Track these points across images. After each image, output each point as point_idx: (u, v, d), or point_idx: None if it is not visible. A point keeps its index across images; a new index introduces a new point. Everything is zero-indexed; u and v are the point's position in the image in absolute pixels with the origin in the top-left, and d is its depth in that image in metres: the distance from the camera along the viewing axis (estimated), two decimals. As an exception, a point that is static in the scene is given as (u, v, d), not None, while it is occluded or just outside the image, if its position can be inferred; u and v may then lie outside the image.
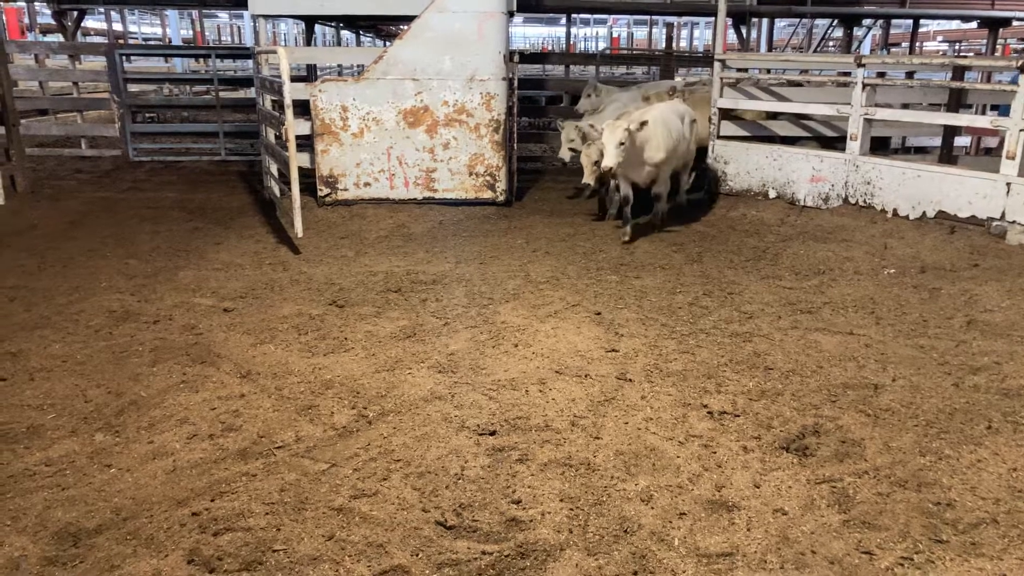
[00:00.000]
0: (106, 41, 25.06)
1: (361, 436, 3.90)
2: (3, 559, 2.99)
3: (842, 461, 3.67)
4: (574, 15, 19.57)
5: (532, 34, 52.25)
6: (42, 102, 13.30)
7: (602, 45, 38.68)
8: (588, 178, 8.21)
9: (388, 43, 14.26)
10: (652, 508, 3.31)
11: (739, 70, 9.77)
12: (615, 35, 40.89)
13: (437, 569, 2.93)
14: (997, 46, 21.86)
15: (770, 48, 23.51)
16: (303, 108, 8.94)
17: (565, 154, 9.10)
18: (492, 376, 4.60)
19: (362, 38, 24.17)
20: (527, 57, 13.99)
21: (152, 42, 34.45)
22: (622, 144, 6.84)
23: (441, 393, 4.36)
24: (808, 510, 3.30)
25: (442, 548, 3.05)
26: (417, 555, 3.01)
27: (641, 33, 41.65)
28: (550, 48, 42.25)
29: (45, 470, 3.61)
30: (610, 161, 6.80)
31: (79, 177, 10.95)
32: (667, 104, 8.35)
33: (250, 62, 11.83)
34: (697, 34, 39.69)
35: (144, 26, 39.44)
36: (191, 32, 32.82)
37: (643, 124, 7.00)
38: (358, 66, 17.83)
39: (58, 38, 18.30)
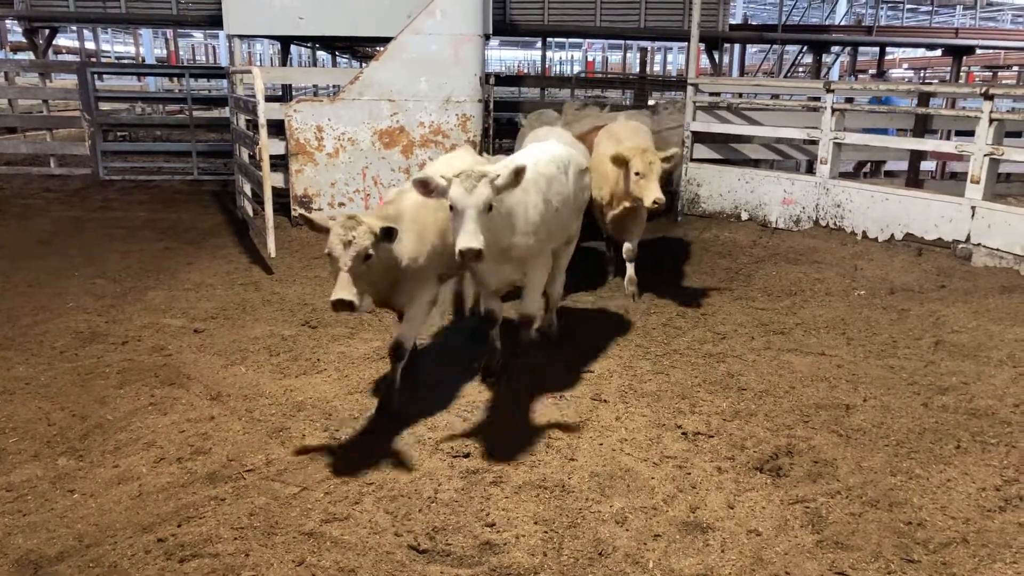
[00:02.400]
0: (78, 59, 24.83)
1: (333, 459, 3.85)
2: (-41, 589, 2.89)
3: (815, 481, 3.69)
4: (549, 39, 19.80)
5: (508, 57, 52.66)
6: (11, 120, 13.11)
7: (577, 69, 39.13)
8: (344, 291, 3.60)
9: (364, 64, 14.27)
10: (627, 530, 3.29)
11: (711, 94, 9.92)
12: (590, 59, 41.38)
13: (409, 594, 2.88)
14: (961, 73, 22.45)
15: (742, 73, 23.94)
16: (278, 128, 8.90)
17: None
18: (466, 397, 4.56)
19: (338, 59, 24.20)
20: (503, 80, 14.10)
21: (125, 61, 34.20)
22: (489, 210, 3.84)
23: (414, 416, 4.31)
24: (782, 531, 3.30)
25: (415, 573, 3.00)
26: (389, 580, 2.96)
27: (616, 57, 42.21)
28: (526, 71, 42.67)
29: (5, 495, 3.50)
30: (470, 241, 3.72)
31: (47, 196, 10.77)
32: (546, 147, 5.10)
33: (224, 82, 11.77)
34: (671, 59, 40.28)
35: (117, 45, 39.09)
36: (165, 51, 32.64)
37: (518, 173, 3.95)
38: (334, 87, 17.83)
39: (29, 56, 18.10)
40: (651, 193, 5.76)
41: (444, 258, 4.28)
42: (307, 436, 4.08)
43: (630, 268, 6.61)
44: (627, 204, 6.16)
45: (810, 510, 3.44)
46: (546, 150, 5.01)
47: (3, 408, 4.35)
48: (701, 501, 3.52)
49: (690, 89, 9.56)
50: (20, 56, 21.21)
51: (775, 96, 13.66)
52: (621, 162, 5.94)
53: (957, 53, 20.87)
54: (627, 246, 6.57)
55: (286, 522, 3.30)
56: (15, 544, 3.15)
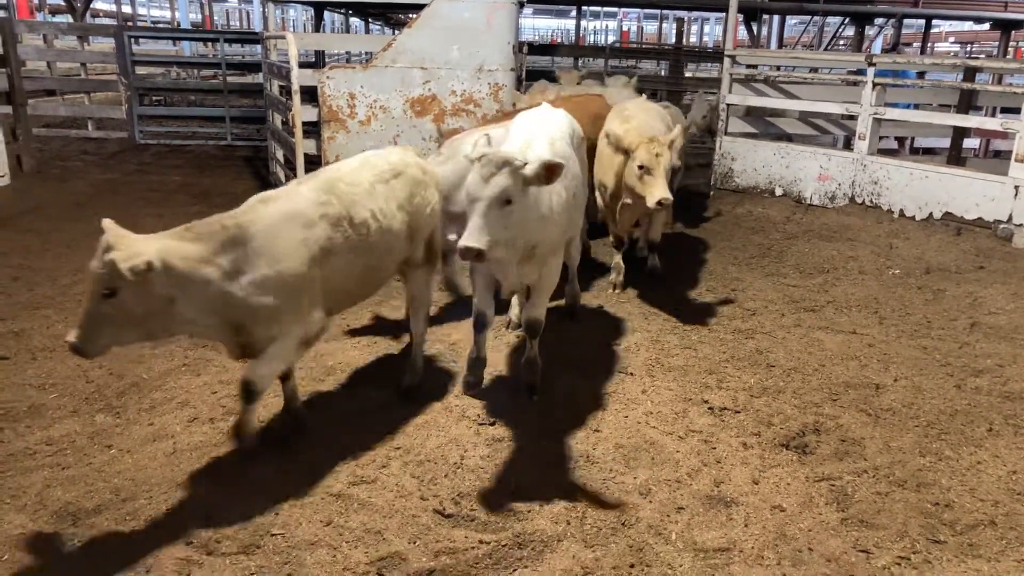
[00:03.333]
0: (115, 23, 25.02)
1: (362, 423, 3.90)
2: (2, 537, 3.00)
3: (842, 460, 3.67)
4: (584, 7, 19.50)
5: (541, 26, 51.98)
6: (50, 82, 13.28)
7: (612, 39, 38.55)
8: (72, 334, 2.98)
9: (397, 31, 14.20)
10: (650, 502, 3.31)
11: (749, 66, 9.72)
12: (625, 29, 40.74)
13: (434, 557, 2.94)
14: (1009, 48, 21.73)
15: (780, 45, 23.40)
16: (310, 95, 8.92)
17: None
18: (493, 367, 4.59)
19: (371, 26, 24.12)
20: (536, 48, 13.93)
21: (161, 25, 34.38)
22: (508, 204, 3.36)
23: (442, 382, 4.35)
24: (806, 507, 3.30)
25: (440, 536, 3.05)
26: (415, 542, 3.02)
27: (651, 27, 41.50)
28: (559, 41, 42.17)
29: (46, 449, 3.61)
30: (471, 239, 3.28)
31: (85, 158, 10.94)
32: (547, 119, 4.31)
33: (258, 47, 11.81)
34: (708, 30, 39.53)
35: (153, 9, 39.35)
36: (200, 16, 32.79)
37: (551, 170, 3.42)
38: (366, 54, 17.77)
39: (67, 19, 18.29)
40: (655, 191, 4.92)
41: (330, 287, 3.47)
42: (337, 401, 4.14)
43: (652, 259, 6.26)
44: (627, 201, 5.40)
45: (836, 488, 3.43)
46: (552, 124, 4.20)
47: (43, 364, 4.47)
48: (726, 476, 3.52)
49: (727, 61, 9.38)
50: (59, 19, 21.41)
51: (814, 69, 13.34)
52: (621, 150, 5.16)
53: (1006, 27, 20.17)
54: (645, 240, 6.18)
55: (315, 484, 3.37)
56: (54, 496, 3.26)
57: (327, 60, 15.89)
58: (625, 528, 3.14)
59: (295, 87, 6.98)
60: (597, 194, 5.90)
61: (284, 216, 3.31)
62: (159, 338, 3.31)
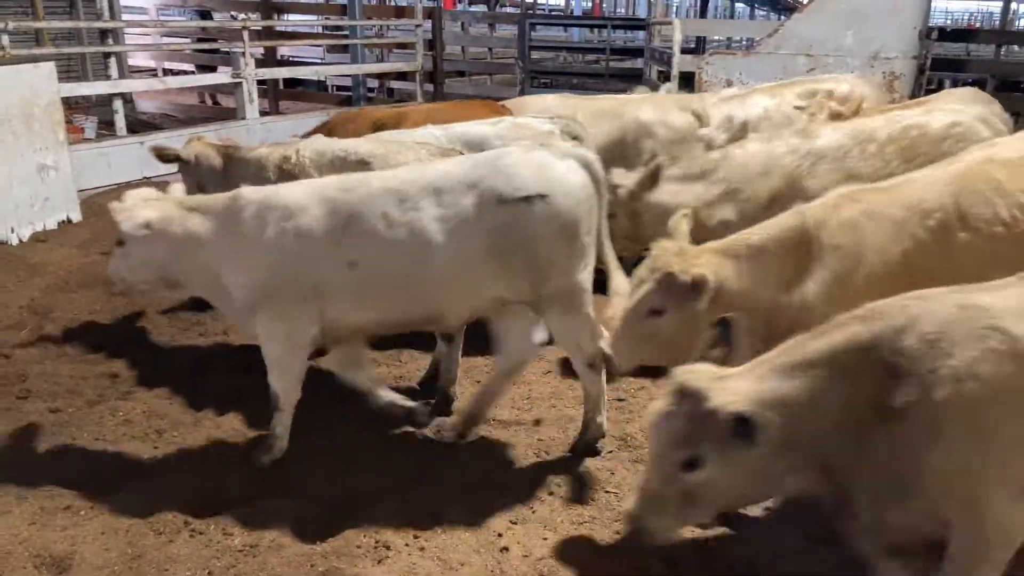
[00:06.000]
0: (519, 12, 27.76)
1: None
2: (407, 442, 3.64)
3: None
4: (1017, -14, 16.54)
5: (956, 8, 45.37)
6: (461, 65, 15.26)
7: (1049, 22, 32.14)
8: None
9: (783, 16, 13.61)
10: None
11: None
12: (1071, 10, 33.55)
13: (759, 555, 2.87)
14: None
15: None
16: (687, 80, 9.01)
17: None
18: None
19: (756, 12, 23.42)
20: (947, 35, 12.22)
21: (555, 13, 37.26)
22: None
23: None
24: None
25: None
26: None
27: (1108, 8, 33.58)
28: (978, 25, 36.40)
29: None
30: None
31: (482, 133, 12.38)
32: None
33: (639, 33, 12.21)
34: None
35: (549, -4, 42.64)
36: (590, 3, 34.79)
37: None
38: (747, 40, 17.31)
39: (482, 9, 20.79)
40: None
41: None
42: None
43: None
44: None
45: None
46: None
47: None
48: None
49: None
50: (475, 8, 24.45)
51: None
52: None
53: None
54: None
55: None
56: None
57: (706, 47, 15.86)
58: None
59: (674, 72, 7.12)
60: None
61: None
62: None
